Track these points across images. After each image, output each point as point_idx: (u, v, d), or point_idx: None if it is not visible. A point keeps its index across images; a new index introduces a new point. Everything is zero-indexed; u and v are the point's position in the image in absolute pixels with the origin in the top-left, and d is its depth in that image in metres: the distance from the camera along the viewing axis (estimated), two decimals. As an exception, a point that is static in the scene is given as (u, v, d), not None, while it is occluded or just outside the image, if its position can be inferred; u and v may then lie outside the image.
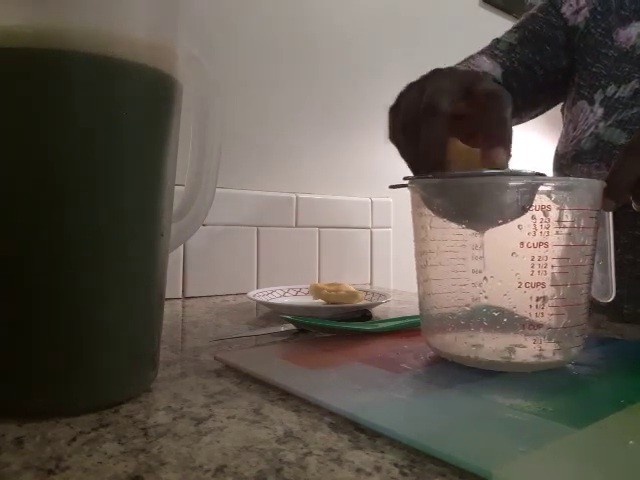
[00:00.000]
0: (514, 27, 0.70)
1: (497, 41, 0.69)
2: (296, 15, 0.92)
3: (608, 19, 0.64)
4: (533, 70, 0.67)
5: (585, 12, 0.66)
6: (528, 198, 0.33)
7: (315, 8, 0.94)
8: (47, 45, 0.25)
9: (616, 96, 0.60)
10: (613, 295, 0.39)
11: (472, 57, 0.68)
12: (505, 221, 0.34)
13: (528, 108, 0.70)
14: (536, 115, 0.72)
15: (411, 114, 0.37)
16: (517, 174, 0.34)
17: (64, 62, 0.26)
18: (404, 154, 0.40)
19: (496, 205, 0.34)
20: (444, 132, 0.35)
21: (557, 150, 0.67)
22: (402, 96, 0.42)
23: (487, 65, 0.66)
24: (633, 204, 0.39)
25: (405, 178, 0.38)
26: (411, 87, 0.42)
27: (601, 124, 0.60)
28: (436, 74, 0.41)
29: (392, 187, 0.39)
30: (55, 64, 0.26)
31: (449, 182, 0.35)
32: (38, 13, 0.26)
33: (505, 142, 0.34)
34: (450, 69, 0.42)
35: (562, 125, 0.70)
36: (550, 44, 0.67)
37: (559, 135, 0.70)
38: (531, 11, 0.71)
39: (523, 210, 0.33)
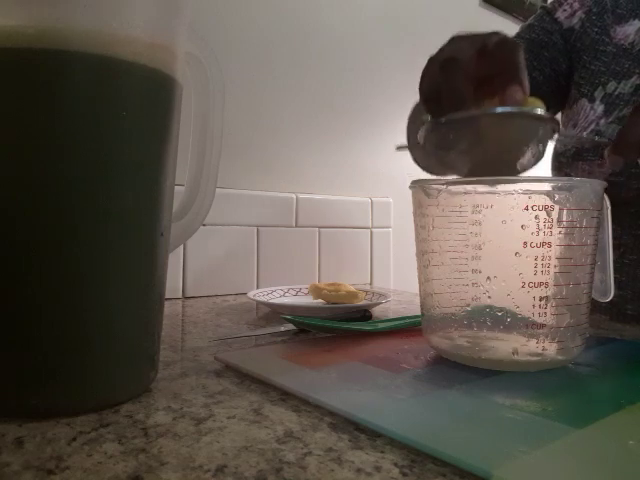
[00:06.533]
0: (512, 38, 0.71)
1: None
2: (296, 15, 0.92)
3: (603, 18, 0.64)
4: (533, 77, 0.66)
5: (580, 14, 0.66)
6: (537, 141, 0.36)
7: (315, 8, 0.94)
8: (48, 45, 0.25)
9: (616, 92, 0.60)
10: (611, 295, 0.39)
11: None
12: (517, 158, 0.36)
13: None
14: None
15: (435, 76, 0.39)
16: (531, 112, 0.36)
17: (65, 62, 0.26)
18: (429, 111, 0.41)
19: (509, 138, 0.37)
20: (462, 76, 0.37)
21: (555, 148, 0.67)
22: (428, 66, 0.42)
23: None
24: None
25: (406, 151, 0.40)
26: (437, 54, 0.43)
27: (602, 121, 0.60)
28: (454, 38, 0.42)
29: (399, 149, 0.41)
30: (56, 64, 0.26)
31: (458, 118, 0.37)
32: (39, 13, 0.26)
33: (519, 80, 0.37)
34: (464, 35, 0.43)
35: (560, 124, 0.70)
36: (547, 49, 0.68)
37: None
38: (527, 21, 0.72)
39: (535, 156, 0.36)
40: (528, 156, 0.38)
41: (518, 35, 0.70)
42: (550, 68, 0.68)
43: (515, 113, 0.36)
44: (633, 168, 0.54)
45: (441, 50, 0.42)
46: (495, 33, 0.40)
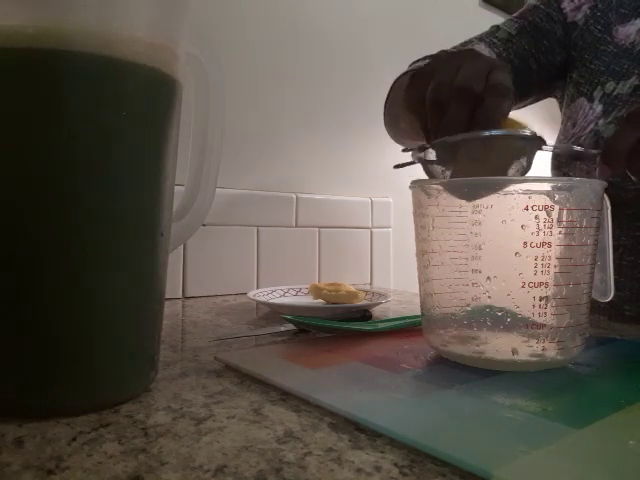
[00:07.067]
0: (515, 16, 0.70)
1: (497, 28, 0.69)
2: (296, 16, 0.92)
3: (607, 16, 0.64)
4: (528, 64, 0.66)
5: (585, 9, 0.66)
6: (522, 159, 0.38)
7: (315, 8, 0.94)
8: (48, 45, 0.25)
9: (615, 93, 0.60)
10: (612, 295, 0.39)
11: (471, 42, 0.68)
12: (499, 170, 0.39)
13: (516, 100, 0.69)
14: (523, 106, 0.72)
15: (444, 90, 0.39)
16: (514, 133, 0.38)
17: (65, 62, 0.26)
18: (429, 120, 0.41)
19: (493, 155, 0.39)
20: (468, 114, 0.38)
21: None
22: (435, 68, 0.42)
23: (485, 54, 0.65)
24: (630, 174, 0.39)
25: (404, 150, 0.42)
26: (442, 60, 0.43)
27: (601, 121, 0.60)
28: (469, 54, 0.42)
29: (397, 167, 0.42)
30: (56, 64, 0.26)
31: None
32: (39, 13, 0.26)
33: (492, 124, 0.39)
34: (479, 53, 0.43)
35: (560, 123, 0.70)
36: (547, 38, 0.67)
37: (556, 133, 0.70)
38: (533, 1, 0.70)
39: (520, 172, 0.38)
40: (513, 172, 0.40)
41: (522, 13, 0.69)
42: (545, 57, 0.67)
43: (500, 136, 0.38)
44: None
45: (458, 55, 0.42)
46: (499, 67, 0.40)
